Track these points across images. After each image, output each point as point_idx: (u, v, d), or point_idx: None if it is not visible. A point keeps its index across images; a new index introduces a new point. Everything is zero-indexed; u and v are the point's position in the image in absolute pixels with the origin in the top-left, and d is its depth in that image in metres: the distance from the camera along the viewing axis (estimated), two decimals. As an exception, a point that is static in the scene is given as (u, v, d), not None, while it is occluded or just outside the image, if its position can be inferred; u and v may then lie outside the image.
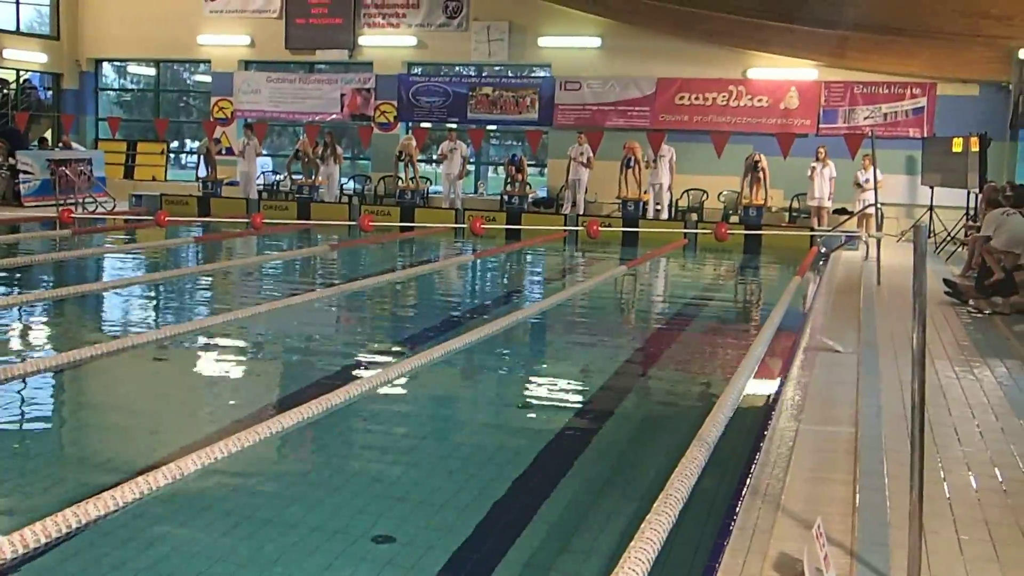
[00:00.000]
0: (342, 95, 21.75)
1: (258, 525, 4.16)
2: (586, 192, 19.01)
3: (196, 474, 4.36)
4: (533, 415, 6.31)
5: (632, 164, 18.54)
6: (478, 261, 14.18)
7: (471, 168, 21.61)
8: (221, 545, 3.91)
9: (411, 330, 9.12)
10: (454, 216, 18.37)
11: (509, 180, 19.60)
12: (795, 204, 18.83)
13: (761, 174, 17.70)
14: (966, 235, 13.81)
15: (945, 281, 10.27)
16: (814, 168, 17.43)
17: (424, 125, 21.62)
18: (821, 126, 18.99)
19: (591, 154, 18.45)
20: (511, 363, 8.05)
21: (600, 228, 13.40)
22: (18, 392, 6.20)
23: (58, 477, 4.85)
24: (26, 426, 5.78)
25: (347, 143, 22.88)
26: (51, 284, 10.66)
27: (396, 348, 8.08)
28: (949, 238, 15.61)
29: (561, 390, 7.03)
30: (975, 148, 15.10)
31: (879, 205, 14.13)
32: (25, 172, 19.24)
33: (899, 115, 18.71)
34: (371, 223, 13.59)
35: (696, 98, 19.58)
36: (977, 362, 7.14)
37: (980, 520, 3.98)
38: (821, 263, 14.07)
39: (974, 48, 14.25)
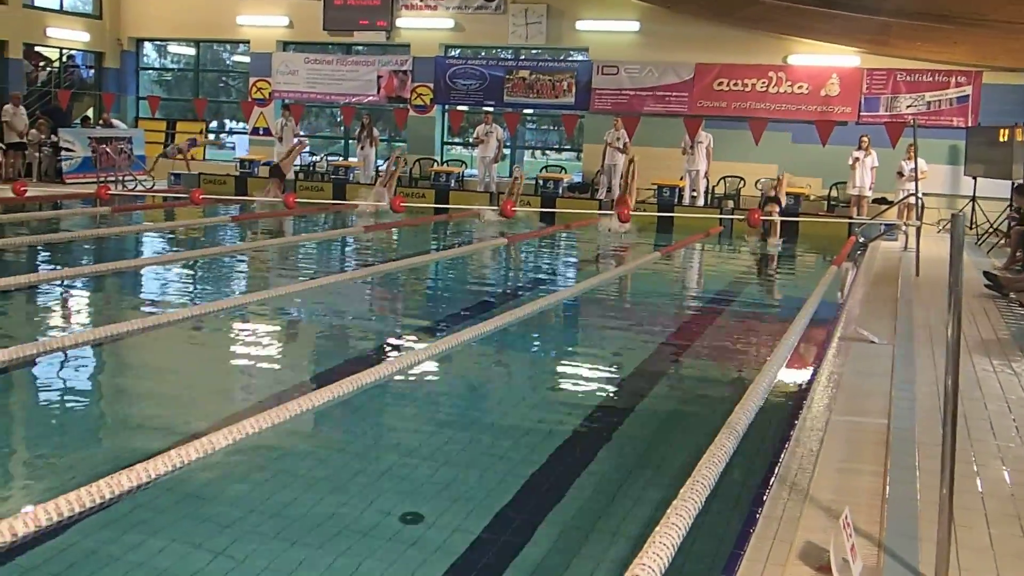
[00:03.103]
0: (379, 77, 21.78)
1: (286, 502, 4.19)
2: (622, 177, 18.89)
3: (227, 450, 4.39)
4: (563, 398, 6.31)
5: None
6: (511, 245, 14.17)
7: (507, 152, 21.58)
8: (249, 520, 3.95)
9: (442, 312, 9.15)
10: (488, 200, 18.36)
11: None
12: (833, 193, 18.64)
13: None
14: (1009, 228, 13.60)
15: (986, 274, 10.13)
16: (856, 157, 17.21)
17: (460, 108, 21.61)
18: (862, 114, 18.75)
19: (627, 139, 18.36)
20: (542, 347, 8.06)
21: (632, 213, 13.33)
22: (56, 366, 6.30)
23: (93, 448, 4.92)
24: (62, 399, 5.87)
25: (383, 125, 22.92)
26: (90, 260, 10.80)
27: (427, 329, 8.10)
28: (991, 230, 15.40)
29: (591, 374, 7.01)
30: (1021, 138, 14.86)
31: (920, 196, 13.95)
32: (67, 150, 19.48)
33: (943, 104, 18.42)
34: (403, 204, 13.61)
35: (735, 84, 19.40)
36: (1016, 356, 7.04)
37: (1012, 515, 3.93)
38: (859, 253, 13.94)
39: (1021, 36, 13.99)
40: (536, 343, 8.13)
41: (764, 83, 19.21)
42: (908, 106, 18.47)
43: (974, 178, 16.63)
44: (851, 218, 16.78)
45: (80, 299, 8.82)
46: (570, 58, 21.48)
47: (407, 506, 4.15)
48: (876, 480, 4.26)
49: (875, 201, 17.76)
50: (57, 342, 6.44)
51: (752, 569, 3.35)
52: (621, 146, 18.52)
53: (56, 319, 8.04)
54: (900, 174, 16.96)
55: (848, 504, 3.65)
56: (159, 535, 3.78)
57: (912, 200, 15.14)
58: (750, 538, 3.59)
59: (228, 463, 4.49)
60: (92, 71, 24.41)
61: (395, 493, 4.31)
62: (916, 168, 14.49)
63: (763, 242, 15.23)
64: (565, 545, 3.89)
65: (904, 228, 14.84)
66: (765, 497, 3.98)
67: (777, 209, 14.56)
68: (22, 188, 14.43)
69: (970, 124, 18.01)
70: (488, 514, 4.08)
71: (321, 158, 22.31)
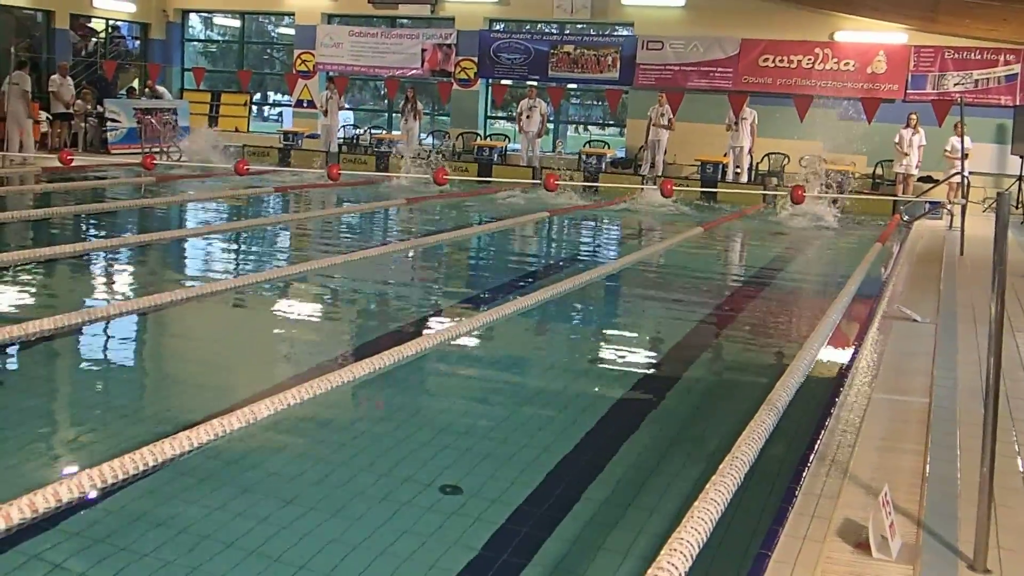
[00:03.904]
0: (423, 50, 21.76)
1: (327, 471, 4.25)
2: (665, 153, 18.80)
3: (268, 419, 4.46)
4: (603, 373, 6.31)
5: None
6: (553, 219, 14.14)
7: (550, 126, 21.51)
8: (290, 488, 4.00)
9: (483, 285, 9.17)
10: (531, 174, 18.33)
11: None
12: (879, 171, 18.38)
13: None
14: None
15: (1032, 254, 9.99)
16: (903, 136, 16.92)
17: (504, 82, 21.56)
18: (909, 91, 18.44)
19: (672, 115, 18.23)
20: (582, 321, 8.06)
21: (675, 187, 13.27)
22: (101, 334, 6.41)
23: (137, 416, 5.01)
24: (108, 367, 5.97)
25: (426, 99, 22.92)
26: (134, 230, 10.95)
27: (468, 303, 8.14)
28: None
29: (632, 350, 7.02)
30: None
31: (966, 175, 13.73)
32: (112, 120, 19.70)
33: (991, 82, 18.08)
34: (445, 177, 13.63)
35: (780, 60, 19.16)
36: (1061, 337, 6.94)
37: (1054, 497, 3.90)
38: (903, 231, 13.77)
39: (1074, 13, 13.68)
40: (577, 318, 8.14)
41: (810, 60, 18.95)
42: (955, 84, 18.14)
43: (1021, 157, 16.33)
44: (895, 196, 16.55)
45: (123, 269, 8.95)
46: (615, 33, 21.33)
47: (446, 477, 4.18)
48: (916, 459, 4.24)
49: (920, 179, 17.49)
50: (101, 311, 6.55)
51: (790, 545, 3.36)
52: (665, 122, 18.39)
53: (100, 288, 8.16)
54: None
55: (888, 482, 3.64)
56: (201, 503, 3.84)
57: (957, 179, 14.92)
58: (789, 514, 3.59)
59: (269, 433, 4.55)
60: (138, 42, 24.61)
61: (435, 464, 4.34)
62: (962, 147, 14.27)
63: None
64: (604, 518, 3.91)
65: (949, 207, 14.64)
66: (805, 474, 3.98)
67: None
68: (68, 157, 14.63)
69: (1018, 103, 17.67)
70: (527, 487, 4.10)
71: (364, 131, 22.38)
